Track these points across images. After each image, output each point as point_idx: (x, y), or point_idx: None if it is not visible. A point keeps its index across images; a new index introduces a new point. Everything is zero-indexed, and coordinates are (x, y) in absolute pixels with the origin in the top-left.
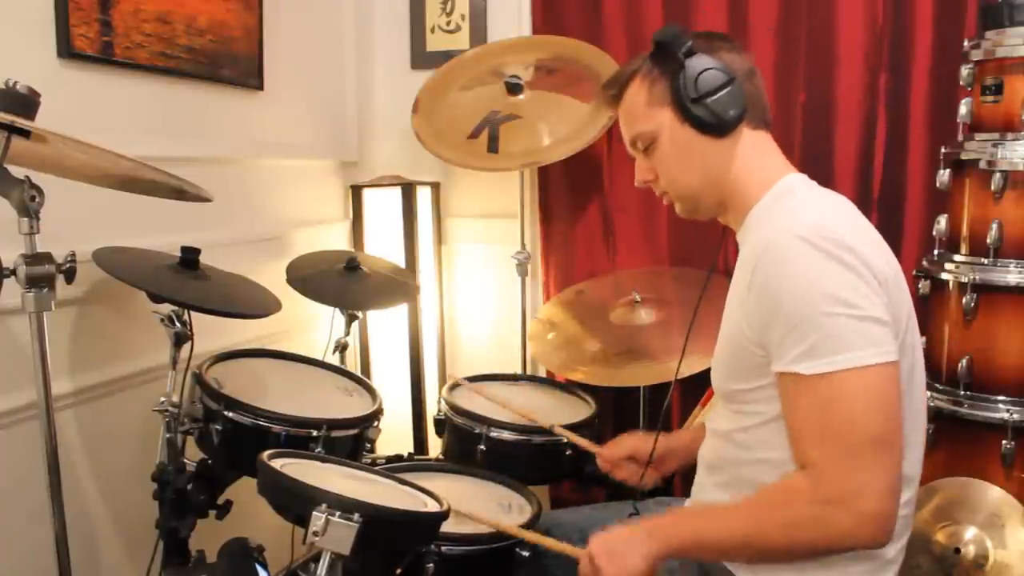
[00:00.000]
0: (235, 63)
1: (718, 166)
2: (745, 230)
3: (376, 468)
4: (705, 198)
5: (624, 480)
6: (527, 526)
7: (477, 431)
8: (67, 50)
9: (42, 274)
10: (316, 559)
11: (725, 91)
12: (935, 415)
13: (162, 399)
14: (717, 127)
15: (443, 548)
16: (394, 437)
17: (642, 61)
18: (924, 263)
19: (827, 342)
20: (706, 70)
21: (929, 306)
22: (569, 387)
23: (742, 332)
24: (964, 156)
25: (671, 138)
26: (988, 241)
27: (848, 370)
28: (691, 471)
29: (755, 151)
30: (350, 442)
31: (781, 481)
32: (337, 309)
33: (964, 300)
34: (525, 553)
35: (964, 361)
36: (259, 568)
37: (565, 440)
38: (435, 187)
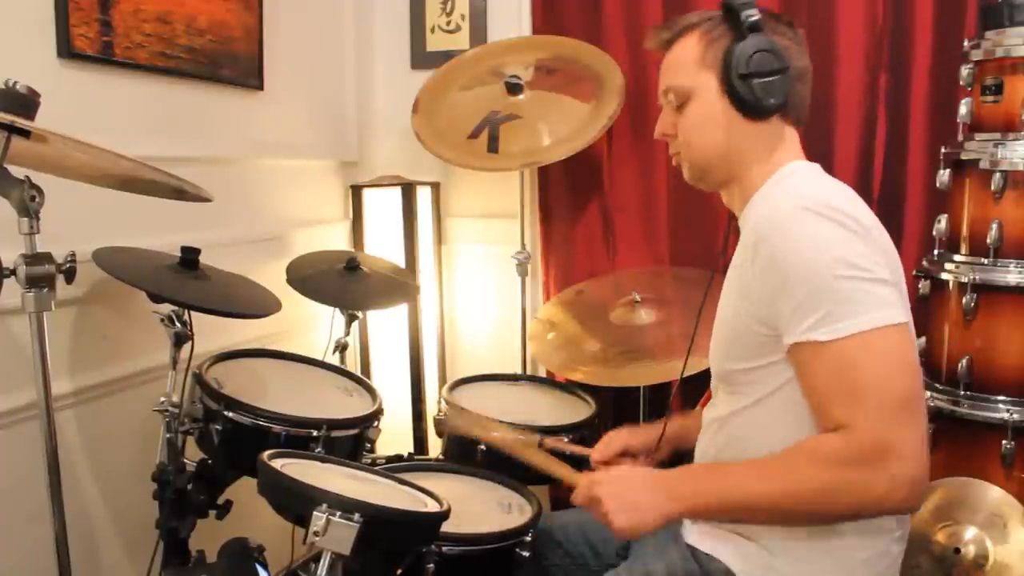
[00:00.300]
0: (235, 63)
1: (739, 147)
2: (746, 214)
3: (376, 468)
4: (716, 171)
5: None
6: (528, 526)
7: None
8: (67, 50)
9: (42, 274)
10: (316, 559)
11: (773, 78)
12: (935, 415)
13: (162, 399)
14: (753, 109)
15: (443, 548)
16: (394, 437)
17: (706, 17)
18: (924, 263)
19: (842, 306)
20: (763, 51)
21: (929, 306)
22: (569, 387)
23: (744, 311)
24: (964, 156)
25: (705, 103)
26: (988, 241)
27: (867, 332)
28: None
29: (780, 144)
30: (350, 442)
31: (810, 442)
32: (337, 309)
33: (964, 300)
34: (525, 553)
35: (964, 361)
36: (259, 568)
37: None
38: (435, 187)
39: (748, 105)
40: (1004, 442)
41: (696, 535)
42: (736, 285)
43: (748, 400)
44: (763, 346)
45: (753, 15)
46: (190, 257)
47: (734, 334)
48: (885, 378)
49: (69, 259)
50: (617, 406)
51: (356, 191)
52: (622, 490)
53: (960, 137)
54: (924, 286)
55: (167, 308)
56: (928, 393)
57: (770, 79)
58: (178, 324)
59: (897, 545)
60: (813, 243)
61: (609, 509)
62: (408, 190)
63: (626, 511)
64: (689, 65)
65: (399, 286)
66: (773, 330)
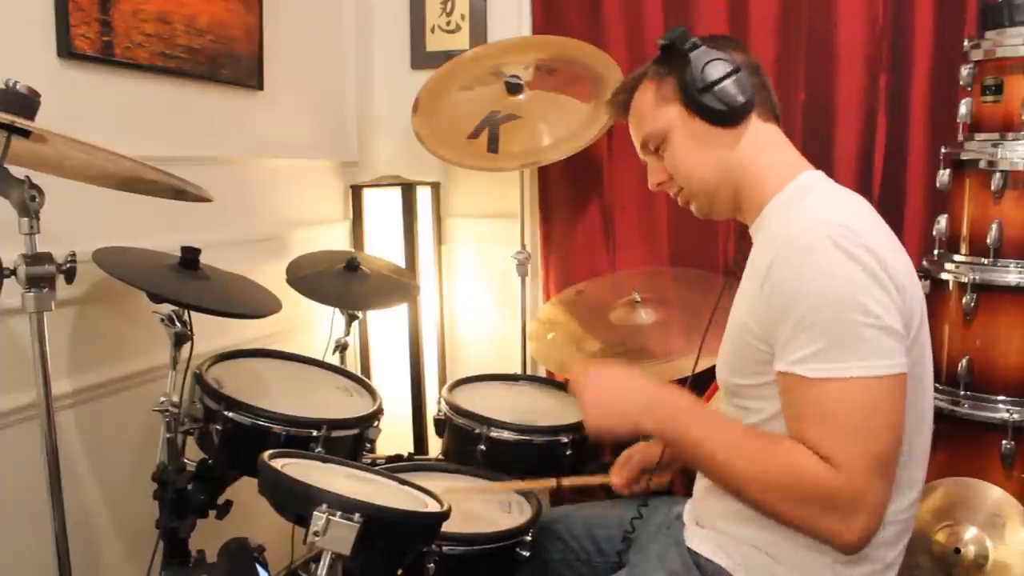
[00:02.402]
0: (235, 63)
1: (731, 157)
2: (759, 225)
3: (376, 468)
4: (721, 194)
5: (639, 492)
6: (528, 526)
7: (477, 431)
8: (67, 50)
9: (42, 274)
10: (316, 559)
11: (731, 79)
12: (935, 415)
13: (162, 399)
14: (728, 115)
15: (444, 548)
16: (394, 437)
17: (648, 66)
18: (924, 263)
19: (837, 348)
20: (711, 60)
21: (929, 306)
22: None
23: (747, 326)
24: (964, 156)
25: (682, 134)
26: (988, 241)
27: (855, 378)
28: (692, 472)
29: (767, 143)
30: (350, 442)
31: (799, 451)
32: (337, 309)
33: (964, 300)
34: (525, 553)
35: (964, 361)
36: (259, 568)
37: (564, 441)
38: (435, 187)
39: (721, 114)
40: (1004, 442)
41: (698, 540)
42: (745, 299)
43: (753, 419)
44: (764, 364)
45: (687, 38)
46: (190, 257)
47: (738, 347)
48: (869, 430)
49: (69, 259)
50: None
51: (356, 191)
52: (605, 390)
53: (960, 137)
54: (924, 286)
55: (167, 308)
56: None
57: (729, 80)
58: (178, 324)
59: (900, 556)
60: (825, 277)
61: (587, 401)
62: (408, 190)
63: (601, 408)
64: (650, 109)
65: (399, 286)
66: (771, 350)
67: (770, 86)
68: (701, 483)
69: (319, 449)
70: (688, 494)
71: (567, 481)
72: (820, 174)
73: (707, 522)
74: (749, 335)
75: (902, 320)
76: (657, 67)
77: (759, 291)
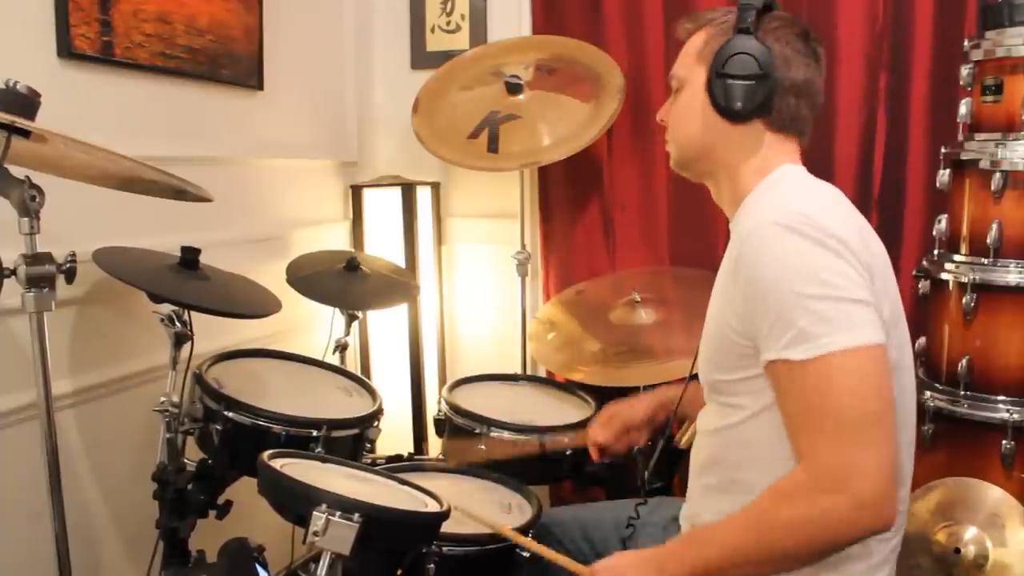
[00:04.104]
0: (235, 63)
1: (714, 144)
2: (736, 219)
3: (376, 468)
4: (696, 163)
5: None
6: (528, 526)
7: (477, 431)
8: (67, 50)
9: (42, 274)
10: (316, 559)
11: (749, 83)
12: (935, 415)
13: (162, 399)
14: (723, 111)
15: (444, 548)
16: (394, 437)
17: (722, 13)
18: (924, 263)
19: (815, 326)
20: (742, 54)
21: (929, 306)
22: (569, 387)
23: (726, 321)
24: (964, 156)
25: (691, 95)
26: (988, 241)
27: (837, 352)
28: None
29: (763, 150)
30: (350, 442)
31: (778, 482)
32: (337, 309)
33: (964, 300)
34: (526, 554)
35: (964, 361)
36: (259, 568)
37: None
38: (435, 187)
39: (720, 106)
40: (1004, 442)
41: None
42: (721, 294)
43: (737, 417)
44: (744, 358)
45: (749, 16)
46: (190, 257)
47: (718, 343)
48: (848, 401)
49: (69, 259)
50: None
51: (356, 191)
52: (618, 568)
53: (960, 137)
54: (924, 286)
55: (167, 308)
56: (928, 393)
57: (743, 83)
58: (178, 324)
59: (893, 553)
60: (787, 262)
61: None
62: (408, 190)
63: None
64: (691, 56)
65: (399, 286)
66: (753, 344)
67: (807, 107)
68: (696, 484)
69: (319, 449)
70: (684, 495)
71: (550, 443)
72: (796, 167)
73: (702, 523)
74: (728, 329)
75: (872, 296)
76: (722, 20)
77: (733, 285)
